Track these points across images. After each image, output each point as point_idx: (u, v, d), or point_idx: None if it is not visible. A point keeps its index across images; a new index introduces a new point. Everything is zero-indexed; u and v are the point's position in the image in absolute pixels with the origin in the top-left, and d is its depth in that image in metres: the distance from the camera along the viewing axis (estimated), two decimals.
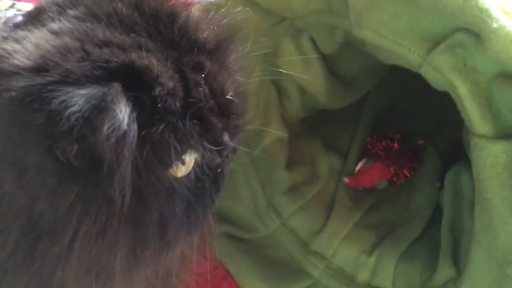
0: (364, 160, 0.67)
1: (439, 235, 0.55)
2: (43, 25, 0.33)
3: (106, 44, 0.31)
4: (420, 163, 0.67)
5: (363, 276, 0.59)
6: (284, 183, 0.64)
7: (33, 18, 0.34)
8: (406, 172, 0.66)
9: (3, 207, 0.32)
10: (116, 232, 0.32)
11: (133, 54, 0.31)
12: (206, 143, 0.33)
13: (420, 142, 0.68)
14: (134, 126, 0.29)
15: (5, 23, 0.36)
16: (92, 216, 0.31)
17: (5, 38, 0.33)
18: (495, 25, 0.38)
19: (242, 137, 0.41)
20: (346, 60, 0.62)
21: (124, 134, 0.28)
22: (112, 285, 0.34)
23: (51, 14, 0.34)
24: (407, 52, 0.45)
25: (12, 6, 0.96)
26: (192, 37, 0.35)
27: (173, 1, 0.36)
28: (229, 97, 0.36)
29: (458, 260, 0.52)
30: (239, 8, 0.41)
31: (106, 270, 0.33)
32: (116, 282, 0.34)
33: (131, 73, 0.30)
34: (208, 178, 0.37)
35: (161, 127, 0.30)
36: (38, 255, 0.32)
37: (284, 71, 0.58)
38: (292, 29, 0.56)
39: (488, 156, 0.41)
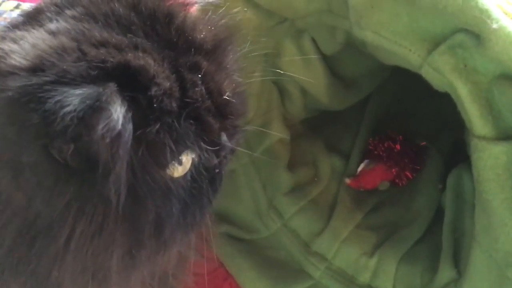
0: (366, 161, 0.67)
1: (441, 237, 0.55)
2: (41, 25, 0.33)
3: (103, 44, 0.31)
4: (422, 164, 0.66)
5: (364, 277, 0.58)
6: (285, 184, 0.64)
7: (31, 18, 0.35)
8: (408, 173, 0.66)
9: None
10: (112, 232, 0.32)
11: (129, 54, 0.31)
12: (202, 144, 0.33)
13: (423, 143, 0.68)
14: (130, 126, 0.29)
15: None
16: (88, 216, 0.31)
17: (3, 38, 0.33)
18: (495, 26, 0.38)
19: (241, 138, 0.41)
20: (348, 61, 0.62)
21: (119, 134, 0.28)
22: (108, 285, 0.34)
23: (49, 14, 0.34)
24: (407, 53, 0.45)
25: (17, 7, 0.96)
26: (189, 38, 0.35)
27: (171, 2, 0.36)
28: (227, 98, 0.36)
29: (459, 262, 0.51)
30: (237, 9, 0.41)
31: (102, 270, 0.33)
32: (112, 282, 0.34)
33: (127, 73, 0.31)
34: (206, 179, 0.37)
35: (157, 127, 0.31)
36: (35, 255, 0.32)
37: (286, 72, 0.58)
38: (293, 29, 0.56)
39: (488, 157, 0.41)
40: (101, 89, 0.28)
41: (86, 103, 0.27)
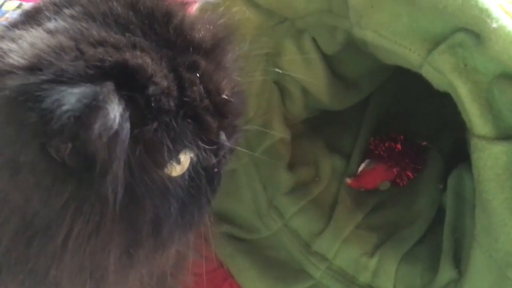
0: (367, 161, 0.67)
1: (441, 237, 0.55)
2: (40, 25, 0.33)
3: (101, 43, 0.31)
4: (423, 164, 0.66)
5: (364, 277, 0.58)
6: (286, 184, 0.64)
7: (30, 18, 0.35)
8: (409, 173, 0.66)
9: None
10: (110, 232, 0.32)
11: (127, 54, 0.31)
12: (200, 143, 0.33)
13: (424, 143, 0.68)
14: (127, 125, 0.29)
15: None
16: (85, 215, 0.31)
17: (2, 38, 0.33)
18: (495, 25, 0.38)
19: (240, 137, 0.41)
20: (349, 61, 0.62)
21: (116, 133, 0.28)
22: (106, 284, 0.34)
23: (47, 14, 0.34)
24: (407, 52, 0.45)
25: (19, 7, 0.97)
26: (188, 37, 0.35)
27: (169, 1, 0.36)
28: (225, 97, 0.35)
29: (459, 262, 0.51)
30: (236, 8, 0.41)
31: (100, 269, 0.33)
32: (110, 281, 0.34)
33: (125, 72, 0.31)
34: (204, 178, 0.37)
35: (154, 126, 0.31)
36: (33, 254, 0.32)
37: (286, 72, 0.58)
38: (293, 29, 0.56)
39: (488, 157, 0.41)
40: (98, 88, 0.28)
41: (83, 102, 0.27)
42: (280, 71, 0.58)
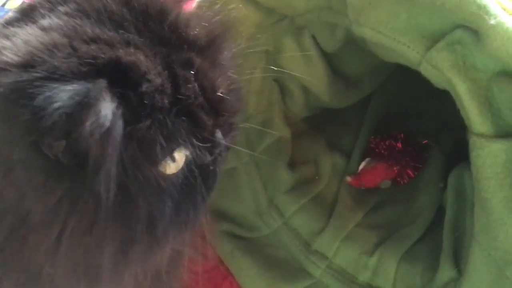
0: (367, 159, 0.67)
1: (441, 236, 0.54)
2: (34, 22, 0.33)
3: (94, 40, 0.31)
4: (424, 163, 0.66)
5: (364, 276, 0.58)
6: (286, 182, 0.64)
7: (25, 15, 0.35)
8: (409, 172, 0.65)
9: None
10: (103, 229, 0.32)
11: (121, 51, 0.31)
12: (195, 140, 0.33)
13: (425, 141, 0.67)
14: (119, 122, 0.29)
15: None
16: (79, 213, 0.31)
17: None
18: (493, 21, 0.37)
19: (237, 135, 0.41)
20: (349, 58, 0.62)
21: (108, 130, 0.28)
22: (100, 282, 0.34)
23: (42, 11, 0.34)
24: (406, 50, 0.44)
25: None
26: (183, 34, 0.35)
27: None
28: (220, 94, 0.35)
29: (459, 261, 0.51)
30: (233, 5, 0.41)
31: (94, 267, 0.33)
32: (105, 279, 0.34)
33: (118, 70, 0.31)
34: (199, 176, 0.36)
35: (148, 123, 0.30)
36: (27, 251, 0.33)
37: (286, 70, 0.57)
38: (293, 27, 0.56)
39: (487, 155, 0.41)
40: (90, 85, 0.28)
41: (74, 99, 0.27)
42: (280, 69, 0.58)
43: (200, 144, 0.34)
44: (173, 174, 0.34)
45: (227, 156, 0.42)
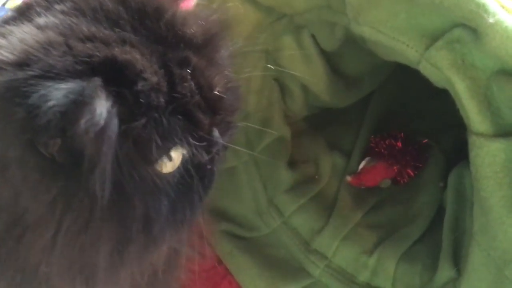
0: (367, 158, 0.66)
1: (441, 235, 0.54)
2: (30, 20, 0.33)
3: (90, 39, 0.31)
4: (424, 162, 0.65)
5: (363, 276, 0.58)
6: (286, 182, 0.64)
7: (21, 14, 0.35)
8: (409, 171, 0.65)
9: None
10: (99, 228, 0.32)
11: (116, 49, 0.31)
12: (191, 139, 0.33)
13: (425, 141, 0.67)
14: (114, 121, 0.29)
15: None
16: (74, 211, 0.31)
17: None
18: (491, 20, 0.37)
19: (234, 134, 0.41)
20: (349, 58, 0.61)
21: (103, 128, 0.28)
22: (96, 281, 0.34)
23: (38, 9, 0.34)
24: (405, 49, 0.44)
25: None
26: (179, 32, 0.34)
27: None
28: (217, 93, 0.35)
29: (459, 261, 0.51)
30: (230, 3, 0.41)
31: (90, 266, 0.33)
32: (100, 278, 0.34)
33: (114, 68, 0.30)
34: (196, 175, 0.36)
35: (143, 122, 0.30)
36: (23, 250, 0.32)
37: (286, 69, 0.57)
38: (292, 26, 0.56)
39: (486, 154, 0.40)
40: (85, 84, 0.28)
41: (69, 98, 0.27)
42: (280, 69, 0.57)
43: (197, 143, 0.34)
44: (170, 173, 0.34)
45: (226, 155, 0.41)
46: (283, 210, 0.63)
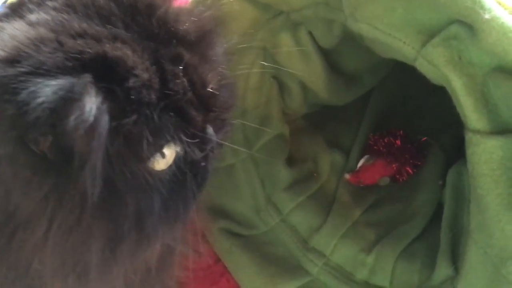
0: (366, 156, 0.66)
1: (439, 234, 0.54)
2: (22, 17, 0.33)
3: (81, 35, 0.31)
4: (423, 160, 0.65)
5: (361, 274, 0.58)
6: (284, 180, 0.64)
7: (14, 11, 0.34)
8: (408, 169, 0.65)
9: None
10: (91, 225, 0.32)
11: (107, 45, 0.31)
12: (183, 137, 0.33)
13: (424, 139, 0.67)
14: (105, 117, 0.29)
15: None
16: (66, 209, 0.31)
17: None
18: (487, 16, 0.37)
19: (230, 131, 0.40)
20: (347, 55, 0.61)
21: (93, 125, 0.28)
22: (88, 278, 0.34)
23: (30, 6, 0.34)
24: (402, 45, 0.44)
25: None
26: (172, 29, 0.34)
27: None
28: (210, 90, 0.35)
29: (457, 259, 0.50)
30: (224, 0, 0.40)
31: (82, 263, 0.33)
32: (93, 276, 0.34)
33: (105, 64, 0.30)
34: (190, 173, 0.36)
35: (134, 118, 0.30)
36: (15, 247, 0.32)
37: (284, 68, 0.57)
38: (289, 23, 0.55)
39: (482, 152, 0.40)
40: (75, 80, 0.28)
41: (58, 94, 0.27)
42: (278, 67, 0.57)
43: (190, 140, 0.34)
44: (163, 170, 0.34)
45: (222, 153, 0.41)
46: (282, 208, 0.63)
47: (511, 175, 0.39)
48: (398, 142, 0.65)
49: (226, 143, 0.40)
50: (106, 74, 0.30)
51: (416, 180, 0.64)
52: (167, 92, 0.32)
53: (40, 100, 0.27)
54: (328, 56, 0.60)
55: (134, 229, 0.33)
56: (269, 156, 0.63)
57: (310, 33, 0.56)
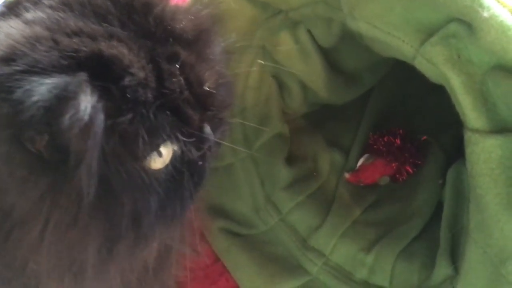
0: (365, 155, 0.66)
1: (439, 233, 0.54)
2: (18, 16, 0.33)
3: (76, 33, 0.31)
4: (423, 159, 0.65)
5: (361, 274, 0.58)
6: (284, 179, 0.63)
7: (10, 9, 0.34)
8: (408, 168, 0.65)
9: None
10: (87, 224, 0.31)
11: (103, 44, 0.31)
12: (180, 135, 0.33)
13: (424, 138, 0.66)
14: (100, 116, 0.29)
15: None
16: (62, 208, 0.31)
17: None
18: (486, 14, 0.37)
19: (227, 131, 0.40)
20: (346, 54, 0.61)
21: (88, 123, 0.28)
22: (85, 277, 0.34)
23: (26, 4, 0.34)
24: (400, 44, 0.44)
25: None
26: (168, 27, 0.34)
27: None
28: (207, 89, 0.35)
29: (456, 259, 0.50)
30: None
31: (79, 262, 0.33)
32: (89, 275, 0.34)
33: (100, 63, 0.30)
34: (187, 172, 0.36)
35: (129, 117, 0.30)
36: (11, 247, 0.32)
37: (283, 66, 0.57)
38: (288, 21, 0.55)
39: (481, 151, 0.40)
40: (69, 79, 0.28)
41: (53, 93, 0.27)
42: (277, 66, 0.57)
43: (186, 139, 0.33)
44: (159, 169, 0.34)
45: (221, 152, 0.41)
46: (281, 207, 0.63)
47: (510, 174, 0.39)
48: (398, 141, 0.65)
49: (224, 142, 0.40)
50: (102, 72, 0.30)
51: (416, 180, 0.64)
52: (164, 90, 0.32)
53: (35, 98, 0.27)
54: (328, 55, 0.59)
55: (131, 228, 0.33)
56: (269, 156, 0.63)
57: (309, 32, 0.56)
